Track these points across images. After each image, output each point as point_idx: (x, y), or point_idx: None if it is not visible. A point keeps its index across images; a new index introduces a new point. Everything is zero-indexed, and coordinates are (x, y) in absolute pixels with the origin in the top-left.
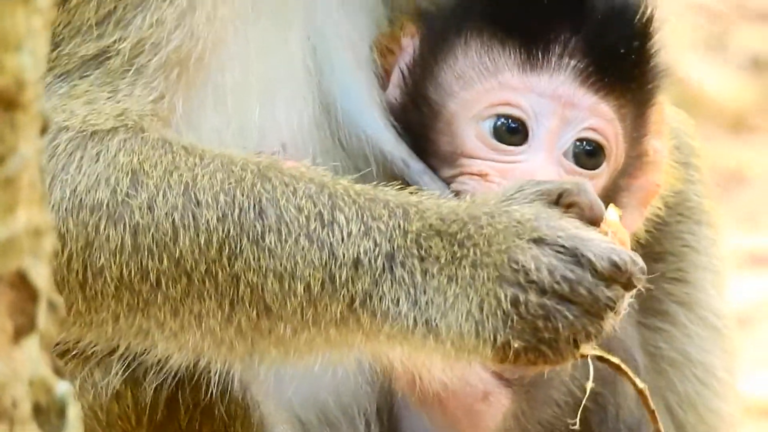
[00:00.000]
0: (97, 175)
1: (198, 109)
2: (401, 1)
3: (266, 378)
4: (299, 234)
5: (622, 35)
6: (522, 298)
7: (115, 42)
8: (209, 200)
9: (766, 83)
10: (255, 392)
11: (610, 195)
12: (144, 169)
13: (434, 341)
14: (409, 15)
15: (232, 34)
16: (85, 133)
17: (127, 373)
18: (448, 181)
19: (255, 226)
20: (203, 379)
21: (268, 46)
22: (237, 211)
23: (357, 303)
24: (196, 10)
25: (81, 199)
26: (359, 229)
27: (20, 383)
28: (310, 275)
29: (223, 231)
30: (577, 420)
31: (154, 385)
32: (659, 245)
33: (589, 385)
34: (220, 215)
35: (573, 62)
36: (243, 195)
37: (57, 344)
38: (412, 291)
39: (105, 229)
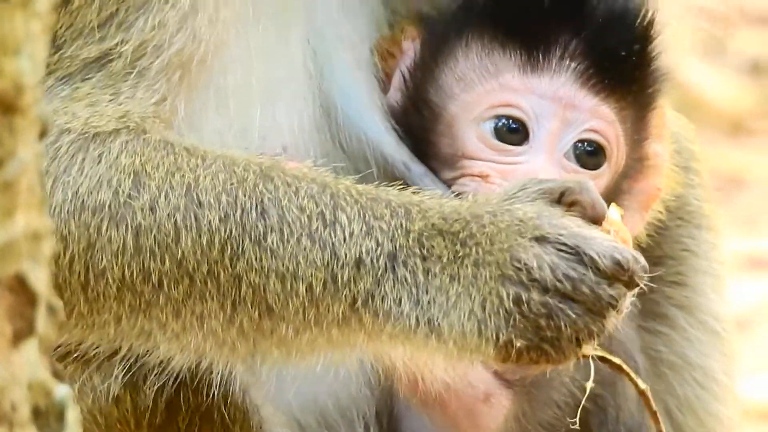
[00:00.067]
0: (99, 177)
1: (200, 112)
2: (401, 3)
3: (265, 381)
4: (301, 234)
5: (623, 38)
6: (524, 296)
7: (117, 44)
8: (211, 201)
9: (765, 87)
10: (254, 395)
11: (612, 198)
12: (146, 171)
13: (436, 341)
14: (410, 18)
15: (233, 37)
16: (87, 135)
17: (126, 377)
18: (449, 184)
19: (257, 227)
20: (203, 382)
21: (268, 48)
22: (239, 211)
23: (359, 303)
24: (198, 12)
25: (83, 201)
26: (361, 229)
27: (19, 387)
28: (312, 275)
29: (225, 231)
30: (577, 420)
31: (154, 389)
32: (659, 249)
33: (589, 385)
34: (222, 216)
35: (574, 64)
36: (245, 195)
37: (58, 347)
38: (414, 290)
39: (107, 231)
